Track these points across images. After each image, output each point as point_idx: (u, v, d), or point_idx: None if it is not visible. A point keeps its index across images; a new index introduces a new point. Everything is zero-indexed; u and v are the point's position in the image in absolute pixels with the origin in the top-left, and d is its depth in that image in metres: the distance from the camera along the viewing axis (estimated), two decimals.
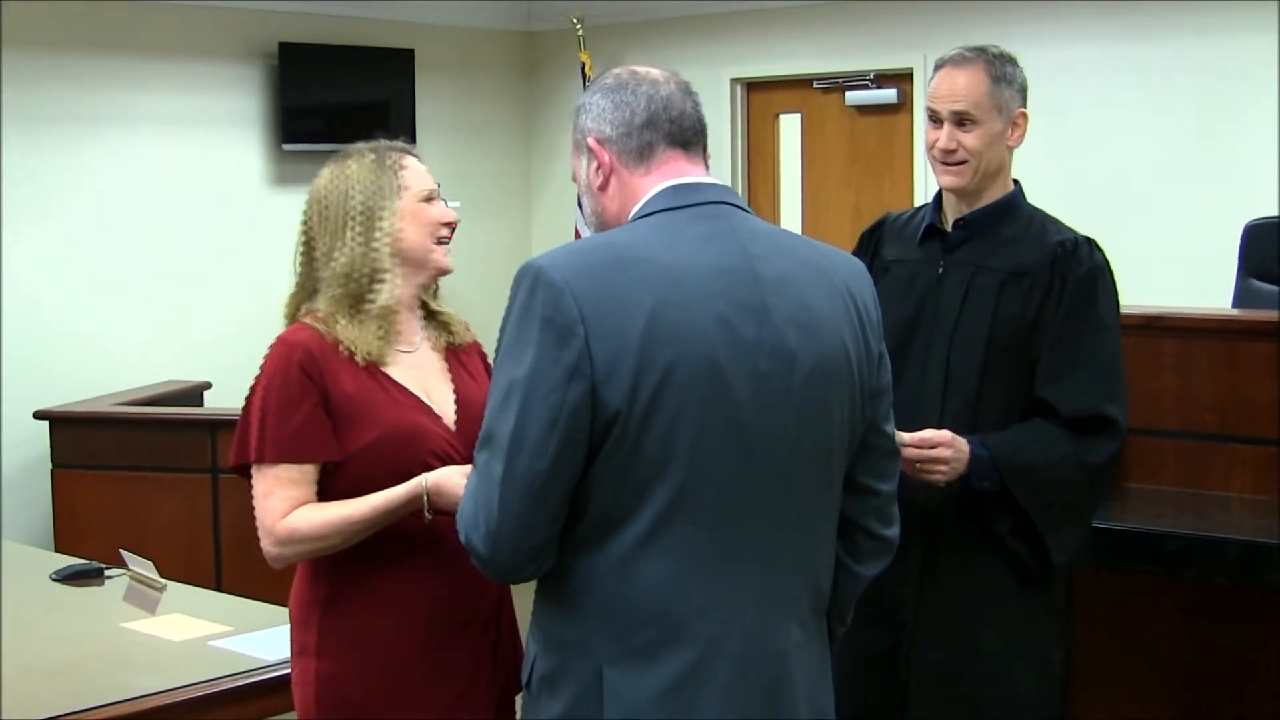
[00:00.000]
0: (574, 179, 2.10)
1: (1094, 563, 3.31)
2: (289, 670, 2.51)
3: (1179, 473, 3.66)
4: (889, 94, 6.85)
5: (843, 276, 2.03)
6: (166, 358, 6.49)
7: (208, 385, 6.34)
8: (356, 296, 2.41)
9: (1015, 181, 2.83)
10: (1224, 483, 3.59)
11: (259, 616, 3.15)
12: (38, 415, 5.60)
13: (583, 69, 7.34)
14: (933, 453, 2.60)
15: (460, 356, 2.54)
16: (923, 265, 2.81)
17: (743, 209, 2.02)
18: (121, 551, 3.61)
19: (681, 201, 1.97)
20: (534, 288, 1.86)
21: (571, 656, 1.92)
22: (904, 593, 2.72)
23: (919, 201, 5.61)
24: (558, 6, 7.62)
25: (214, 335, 6.62)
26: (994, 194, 2.77)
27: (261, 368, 2.41)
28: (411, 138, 7.09)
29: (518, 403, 1.84)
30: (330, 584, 2.41)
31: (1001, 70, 2.72)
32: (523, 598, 2.27)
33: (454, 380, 2.50)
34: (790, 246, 2.02)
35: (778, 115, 7.38)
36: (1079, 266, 2.69)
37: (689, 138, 2.03)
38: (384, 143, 2.52)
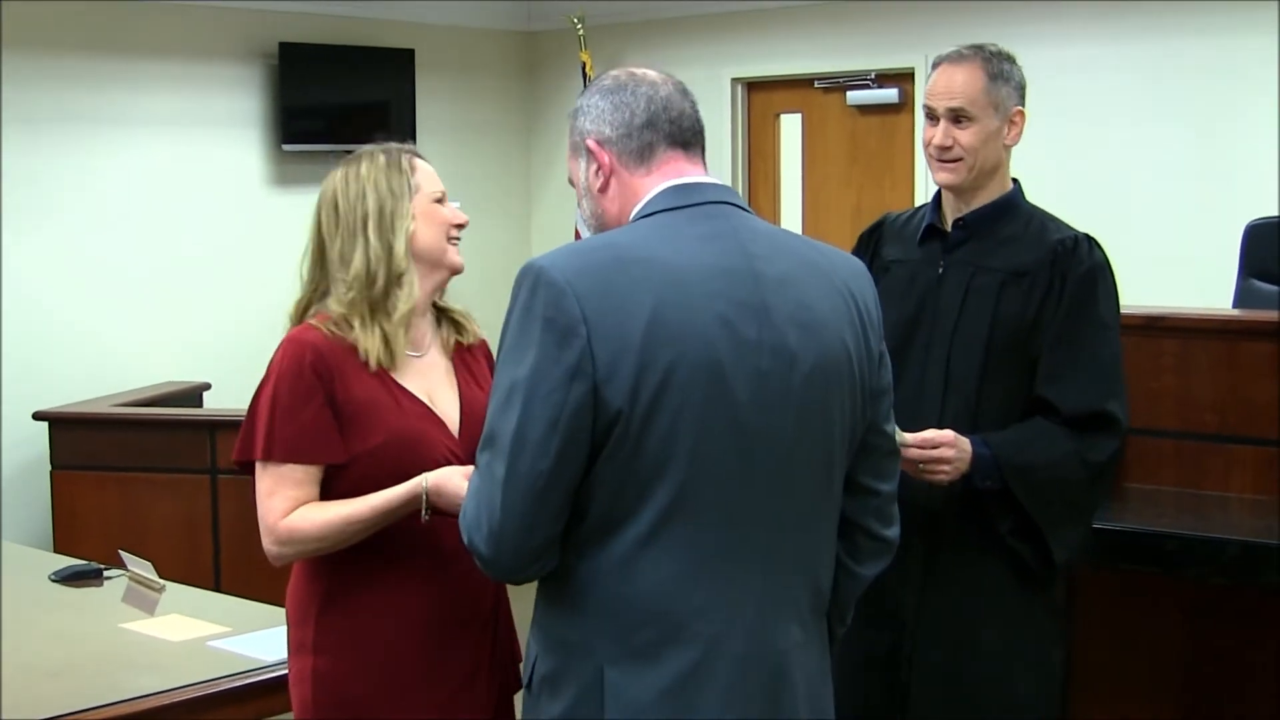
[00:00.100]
0: (571, 182, 2.10)
1: (1094, 563, 3.31)
2: (287, 671, 2.51)
3: (1179, 473, 3.66)
4: (890, 94, 6.85)
5: (843, 276, 2.03)
6: (166, 358, 6.49)
7: (207, 386, 6.34)
8: (375, 300, 2.40)
9: (1014, 180, 2.83)
10: (1224, 483, 3.59)
11: (258, 617, 3.15)
12: (37, 416, 5.60)
13: (583, 69, 7.34)
14: (936, 453, 2.60)
15: (467, 359, 2.54)
16: (923, 265, 2.81)
17: (743, 209, 2.02)
18: (120, 552, 3.61)
19: (682, 201, 1.97)
20: (535, 288, 1.86)
21: (572, 657, 1.92)
22: (905, 593, 2.72)
23: (920, 201, 5.60)
24: (558, 6, 7.62)
25: (214, 336, 6.62)
26: (992, 193, 2.77)
27: (271, 365, 2.40)
28: (411, 138, 7.09)
29: (519, 403, 1.84)
30: (328, 582, 2.41)
31: (999, 68, 2.72)
32: (522, 598, 2.27)
33: (460, 385, 2.50)
34: (791, 246, 2.02)
35: (778, 115, 7.38)
36: (1079, 265, 2.69)
37: (689, 138, 2.03)
38: (394, 144, 2.52)
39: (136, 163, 6.50)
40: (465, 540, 1.93)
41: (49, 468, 5.58)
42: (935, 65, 2.78)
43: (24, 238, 6.10)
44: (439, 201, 2.48)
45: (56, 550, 5.16)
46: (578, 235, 6.68)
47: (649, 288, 1.85)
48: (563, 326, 1.83)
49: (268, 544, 2.38)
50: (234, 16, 6.78)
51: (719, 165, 7.07)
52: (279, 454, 2.35)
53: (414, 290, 2.42)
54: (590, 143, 2.03)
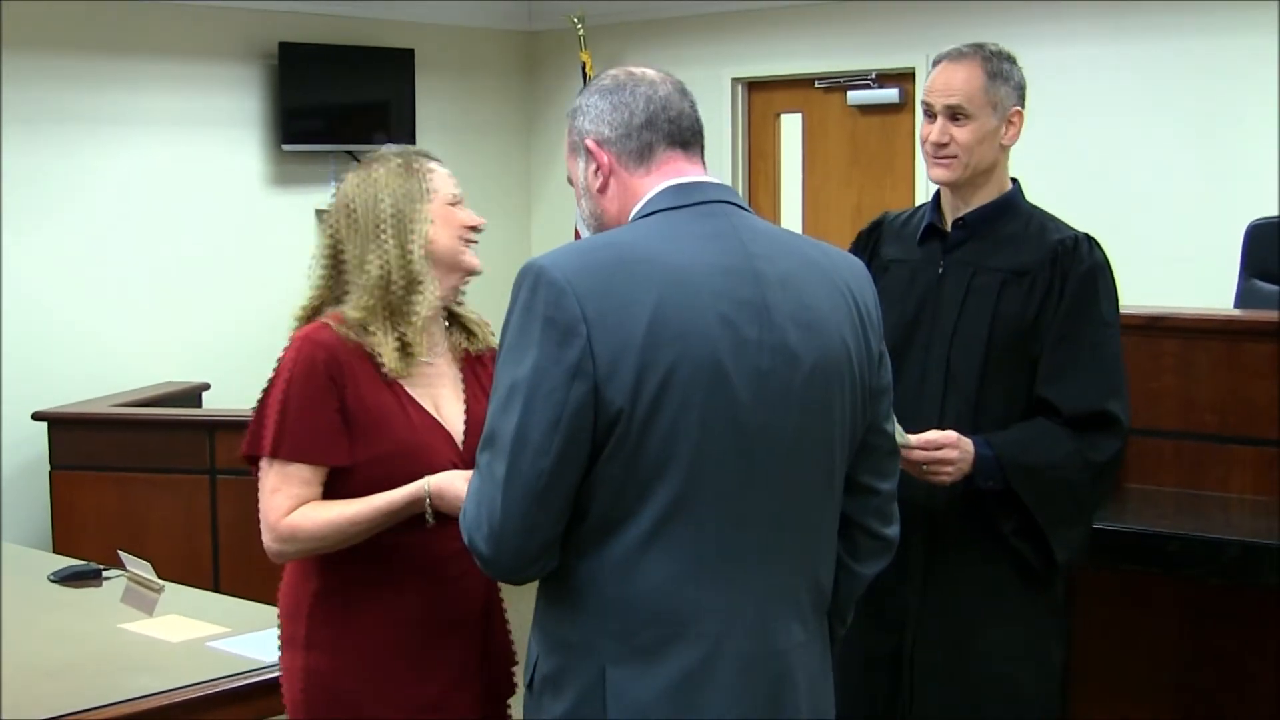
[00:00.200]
0: (570, 181, 2.10)
1: (1094, 563, 3.30)
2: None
3: (1179, 473, 3.66)
4: (890, 94, 6.85)
5: (843, 276, 2.03)
6: (165, 358, 6.48)
7: (206, 386, 6.34)
8: (394, 305, 2.40)
9: (1014, 180, 2.83)
10: (1224, 483, 3.59)
11: (257, 617, 3.15)
12: (36, 416, 5.60)
13: (583, 69, 7.34)
14: (939, 454, 2.60)
15: (477, 369, 2.54)
16: (923, 265, 2.81)
17: (743, 208, 2.02)
18: (119, 552, 3.61)
19: (683, 201, 1.97)
20: (535, 287, 1.86)
21: (574, 657, 1.92)
22: (906, 593, 2.72)
23: (920, 201, 5.60)
24: (558, 6, 7.62)
25: (213, 336, 6.62)
26: (992, 193, 2.77)
27: (282, 362, 2.40)
28: (411, 138, 7.10)
29: (520, 403, 1.84)
30: (322, 578, 2.42)
31: (998, 67, 2.72)
32: (523, 599, 2.27)
33: (467, 396, 2.50)
34: (791, 245, 2.01)
35: (779, 115, 7.37)
36: (1079, 265, 2.69)
37: (688, 138, 2.03)
38: (409, 148, 2.52)
39: (136, 163, 6.49)
40: (466, 540, 1.93)
41: (48, 468, 5.58)
42: (935, 63, 2.78)
43: (24, 238, 6.10)
44: (454, 204, 2.48)
45: (55, 551, 5.16)
46: (577, 235, 6.68)
47: (650, 287, 1.85)
48: (563, 326, 1.82)
49: (268, 541, 2.39)
50: (234, 16, 6.78)
51: (719, 165, 7.07)
52: (286, 452, 2.35)
53: (432, 294, 2.42)
54: (589, 143, 2.02)
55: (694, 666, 1.89)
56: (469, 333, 2.56)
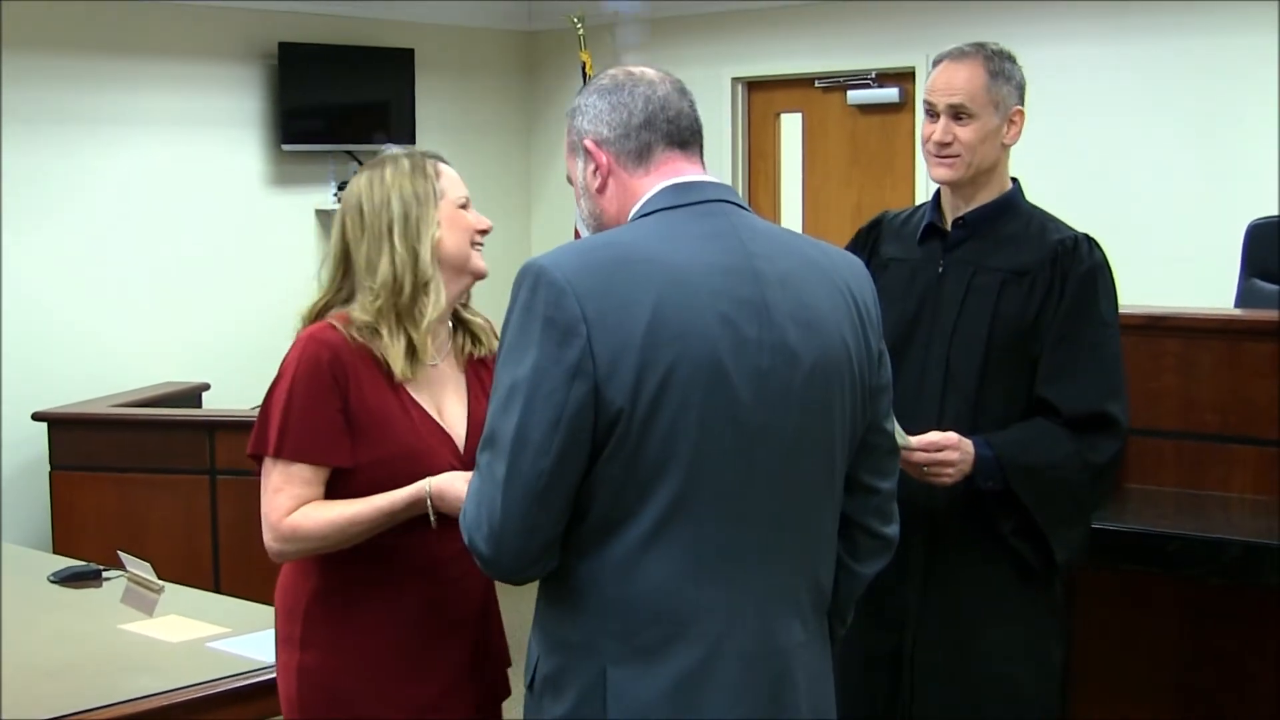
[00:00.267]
0: (569, 180, 2.10)
1: (1094, 563, 3.30)
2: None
3: (1179, 473, 3.65)
4: (890, 93, 6.84)
5: (843, 275, 2.03)
6: (165, 358, 6.48)
7: (206, 386, 6.34)
8: (403, 308, 2.39)
9: (1014, 180, 2.83)
10: (1224, 483, 3.59)
11: (257, 618, 3.14)
12: (36, 417, 5.59)
13: (583, 69, 7.32)
14: (941, 456, 2.60)
15: (481, 373, 2.53)
16: (922, 264, 2.81)
17: (742, 207, 2.02)
18: (119, 553, 3.61)
19: (682, 200, 1.97)
20: (535, 287, 1.86)
21: (575, 657, 1.92)
22: (906, 593, 2.72)
23: (920, 201, 5.61)
24: (558, 6, 7.61)
25: (213, 336, 6.62)
26: (992, 192, 2.77)
27: (286, 360, 2.39)
28: (411, 138, 7.10)
29: (520, 403, 1.84)
30: (321, 577, 2.42)
31: (1000, 66, 2.72)
32: (522, 600, 2.26)
33: (470, 400, 2.50)
34: (790, 245, 2.01)
35: (779, 115, 7.37)
36: (1079, 265, 2.69)
37: (686, 138, 2.02)
38: (417, 149, 2.51)
39: (136, 163, 6.49)
40: (466, 541, 1.93)
41: (48, 468, 5.58)
42: (936, 62, 2.78)
43: (24, 238, 6.10)
44: (463, 207, 2.47)
45: (55, 551, 5.16)
46: (577, 235, 6.67)
47: (650, 286, 1.85)
48: (563, 326, 1.82)
49: (269, 540, 2.39)
50: (234, 16, 6.78)
51: (719, 165, 7.07)
52: (290, 453, 2.36)
53: (440, 297, 2.41)
54: (588, 143, 2.02)
55: (694, 666, 1.88)
56: (474, 336, 2.55)
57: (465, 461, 2.40)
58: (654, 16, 7.50)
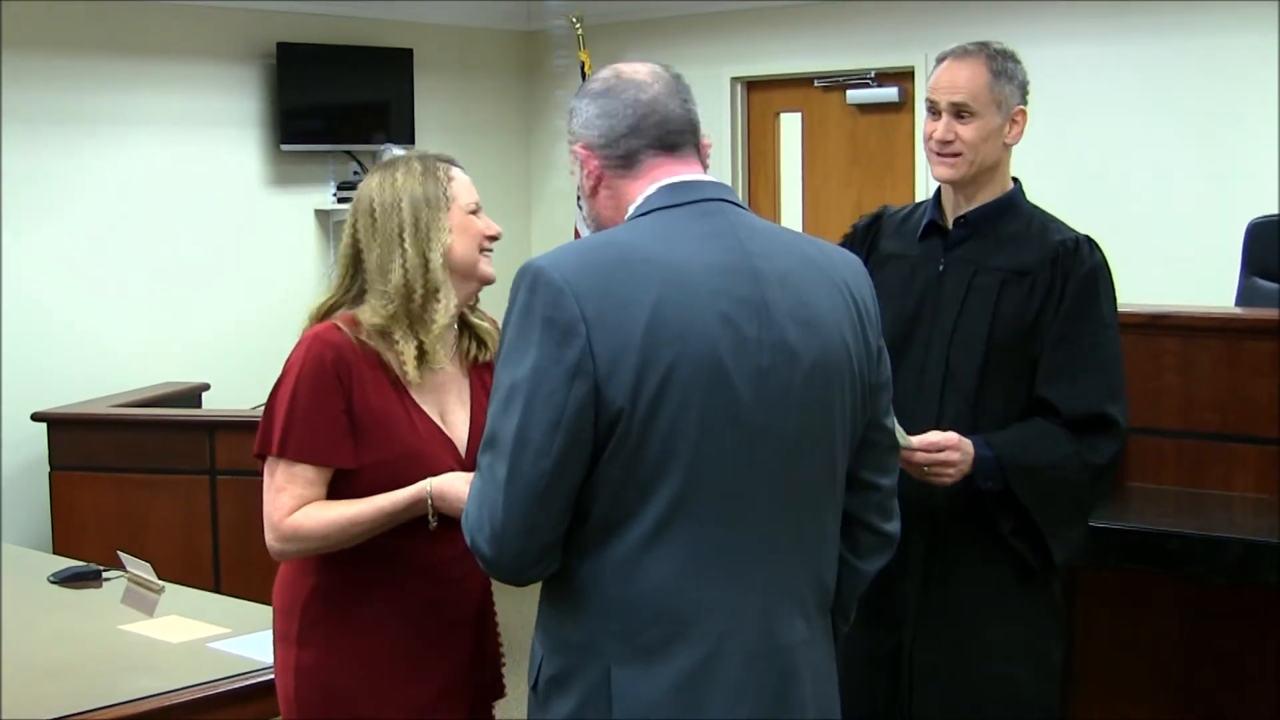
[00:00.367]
0: (572, 175, 2.10)
1: (1094, 562, 3.30)
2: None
3: (1180, 472, 3.65)
4: (890, 93, 6.84)
5: (841, 273, 2.03)
6: (165, 358, 6.48)
7: (206, 386, 6.33)
8: (414, 313, 2.39)
9: (1015, 180, 2.83)
10: (1225, 482, 3.59)
11: (257, 618, 3.14)
12: (36, 417, 5.59)
13: (582, 69, 7.33)
14: (941, 456, 2.60)
15: (484, 376, 2.52)
16: (922, 261, 2.81)
17: (740, 206, 2.02)
18: (119, 553, 3.61)
19: (679, 199, 1.97)
20: (534, 288, 1.86)
21: (579, 657, 1.92)
22: (906, 592, 2.72)
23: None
24: (558, 6, 7.61)
25: (212, 336, 6.61)
26: (993, 192, 2.77)
27: (290, 360, 2.39)
28: (410, 138, 7.09)
29: (520, 404, 1.84)
30: (318, 575, 2.42)
31: (1003, 66, 2.72)
32: (523, 601, 2.26)
33: (473, 405, 2.49)
34: (789, 243, 2.02)
35: (778, 114, 7.37)
36: (1080, 266, 2.69)
37: (676, 140, 2.01)
38: (430, 153, 2.50)
39: (136, 163, 6.49)
40: (468, 542, 1.93)
41: (48, 469, 5.58)
42: (939, 61, 2.77)
43: (24, 238, 6.09)
44: (473, 212, 2.46)
45: (55, 551, 5.16)
46: (577, 235, 6.67)
47: (649, 286, 1.85)
48: (562, 326, 1.82)
49: (270, 539, 2.39)
50: (233, 16, 6.78)
51: (719, 165, 7.06)
52: (293, 453, 2.36)
53: (450, 303, 2.41)
54: (578, 148, 2.03)
55: (697, 665, 1.89)
56: (480, 341, 2.55)
57: (467, 466, 2.39)
58: (654, 16, 7.50)
